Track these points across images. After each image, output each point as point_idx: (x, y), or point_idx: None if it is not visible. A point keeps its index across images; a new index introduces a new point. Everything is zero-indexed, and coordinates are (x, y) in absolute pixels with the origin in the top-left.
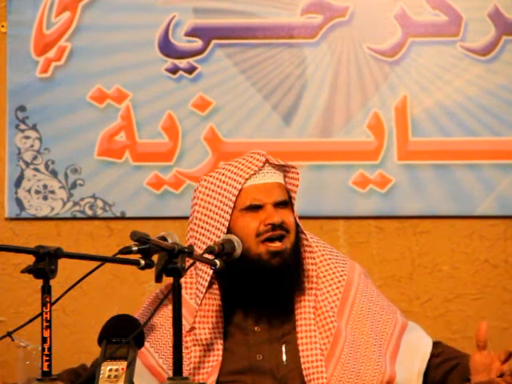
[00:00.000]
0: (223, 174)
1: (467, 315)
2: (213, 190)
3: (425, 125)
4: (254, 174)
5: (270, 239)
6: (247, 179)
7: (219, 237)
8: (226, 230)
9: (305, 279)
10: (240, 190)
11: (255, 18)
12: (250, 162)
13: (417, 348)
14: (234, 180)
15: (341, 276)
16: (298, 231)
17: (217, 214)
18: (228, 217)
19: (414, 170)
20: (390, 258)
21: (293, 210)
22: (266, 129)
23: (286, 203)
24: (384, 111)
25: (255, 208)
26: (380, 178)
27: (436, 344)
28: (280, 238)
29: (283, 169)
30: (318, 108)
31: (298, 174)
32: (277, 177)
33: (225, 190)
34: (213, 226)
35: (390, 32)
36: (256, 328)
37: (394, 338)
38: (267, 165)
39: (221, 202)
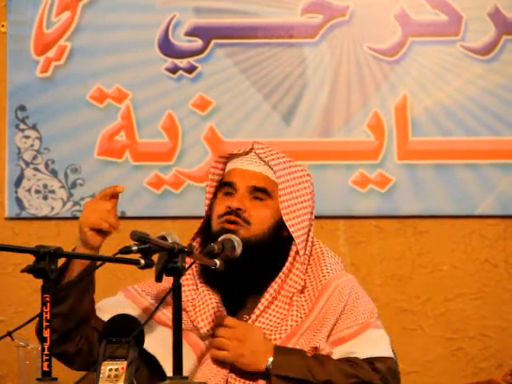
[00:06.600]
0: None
1: (467, 315)
2: (209, 173)
3: (425, 124)
4: (238, 156)
5: (227, 222)
6: (228, 158)
7: (206, 217)
8: (209, 210)
9: (282, 283)
10: (225, 173)
11: (255, 18)
12: (239, 148)
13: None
14: (217, 161)
15: (317, 289)
16: (276, 230)
17: (207, 193)
18: (209, 195)
19: (414, 170)
20: (390, 257)
21: (275, 208)
22: (266, 128)
23: (266, 193)
24: (384, 111)
25: (228, 188)
26: (380, 178)
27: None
28: (235, 224)
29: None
30: (318, 108)
31: (280, 177)
32: (262, 168)
33: (212, 169)
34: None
35: (390, 32)
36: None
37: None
38: (254, 154)
39: (209, 181)
